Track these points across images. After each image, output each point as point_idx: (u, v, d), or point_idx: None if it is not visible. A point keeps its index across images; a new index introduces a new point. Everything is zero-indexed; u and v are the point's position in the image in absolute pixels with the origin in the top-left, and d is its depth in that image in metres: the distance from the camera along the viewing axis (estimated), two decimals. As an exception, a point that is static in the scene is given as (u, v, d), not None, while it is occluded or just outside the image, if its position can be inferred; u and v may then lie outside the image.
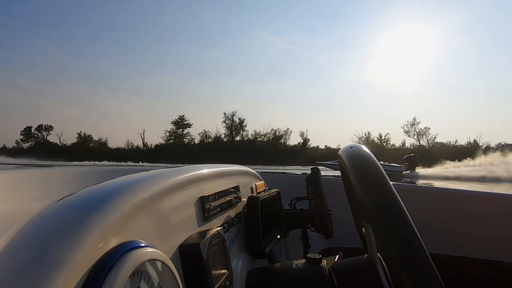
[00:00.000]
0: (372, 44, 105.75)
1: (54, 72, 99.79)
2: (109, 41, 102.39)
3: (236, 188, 0.92)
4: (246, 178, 1.07)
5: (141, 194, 0.49)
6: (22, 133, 76.04)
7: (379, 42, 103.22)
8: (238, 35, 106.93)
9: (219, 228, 0.68)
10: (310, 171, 1.23)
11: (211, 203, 0.73)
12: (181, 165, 0.77)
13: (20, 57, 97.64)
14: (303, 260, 0.81)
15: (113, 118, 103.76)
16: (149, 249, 0.43)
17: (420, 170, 28.59)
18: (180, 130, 77.86)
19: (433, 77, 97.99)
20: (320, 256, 0.81)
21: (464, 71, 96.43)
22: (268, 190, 1.17)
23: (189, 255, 0.57)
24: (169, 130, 78.00)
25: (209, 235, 0.62)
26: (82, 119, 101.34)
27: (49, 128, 77.19)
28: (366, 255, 0.77)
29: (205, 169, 0.76)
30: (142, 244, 0.43)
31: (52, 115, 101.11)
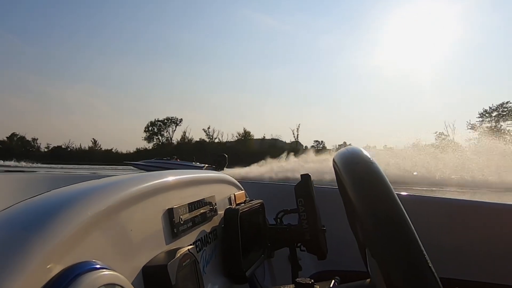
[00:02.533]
0: (382, 24, 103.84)
1: (3, 59, 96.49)
2: (70, 23, 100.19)
3: (211, 199, 0.90)
4: (223, 187, 1.05)
5: (95, 206, 0.47)
6: None
7: (390, 22, 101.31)
8: (219, 14, 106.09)
9: (190, 247, 0.66)
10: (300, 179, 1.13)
11: (180, 216, 0.71)
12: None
13: None
14: (292, 286, 0.80)
15: (74, 112, 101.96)
16: (106, 272, 0.41)
17: (228, 170, 29.36)
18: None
19: (453, 64, 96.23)
20: (312, 281, 0.79)
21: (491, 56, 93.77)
22: (250, 201, 1.15)
23: (155, 279, 0.54)
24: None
25: (178, 255, 0.60)
26: (36, 113, 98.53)
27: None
28: (368, 280, 0.74)
29: (173, 176, 0.74)
30: (98, 266, 0.41)
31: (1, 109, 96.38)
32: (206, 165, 30.07)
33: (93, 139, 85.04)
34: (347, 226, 0.84)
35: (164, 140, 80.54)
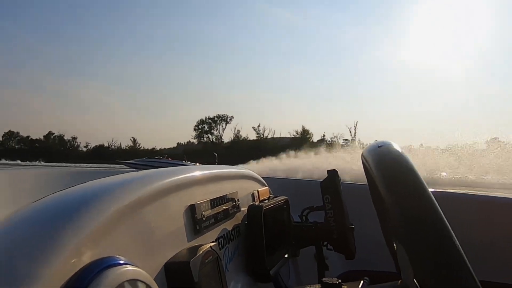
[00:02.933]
0: (409, 15, 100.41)
1: (21, 58, 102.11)
2: (86, 22, 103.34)
3: (234, 195, 0.89)
4: (246, 183, 1.04)
5: (120, 202, 0.47)
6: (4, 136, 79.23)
7: (418, 13, 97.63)
8: (236, 9, 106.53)
9: (213, 244, 0.65)
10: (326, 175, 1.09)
11: (203, 212, 0.70)
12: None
13: None
14: (318, 286, 0.78)
15: (89, 111, 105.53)
16: (129, 267, 0.41)
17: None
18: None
19: (486, 57, 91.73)
20: (340, 281, 0.76)
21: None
22: (274, 197, 1.13)
23: (177, 276, 0.54)
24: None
25: (201, 252, 0.60)
26: (53, 111, 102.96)
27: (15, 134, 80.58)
28: (399, 281, 0.70)
29: (196, 172, 0.74)
30: (121, 261, 0.41)
31: (19, 107, 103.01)
32: (198, 164, 30.98)
33: (132, 137, 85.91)
34: (377, 224, 0.81)
35: (214, 139, 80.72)
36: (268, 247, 0.90)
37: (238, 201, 0.89)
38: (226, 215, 0.81)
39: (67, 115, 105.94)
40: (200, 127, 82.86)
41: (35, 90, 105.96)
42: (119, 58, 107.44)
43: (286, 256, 1.07)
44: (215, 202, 0.76)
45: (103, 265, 0.38)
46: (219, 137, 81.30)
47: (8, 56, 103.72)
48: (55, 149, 77.47)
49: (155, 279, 0.45)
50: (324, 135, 75.61)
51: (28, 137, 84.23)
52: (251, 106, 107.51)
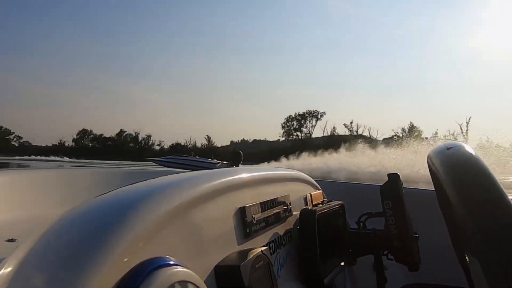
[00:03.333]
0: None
1: (73, 59, 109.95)
2: (135, 20, 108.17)
3: (286, 198, 0.86)
4: (298, 186, 1.01)
5: (171, 202, 0.48)
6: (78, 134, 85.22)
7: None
8: (290, 2, 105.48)
9: (264, 248, 0.64)
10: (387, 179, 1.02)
11: (253, 216, 0.69)
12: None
13: (36, 44, 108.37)
14: None
15: (137, 109, 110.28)
16: (180, 269, 0.42)
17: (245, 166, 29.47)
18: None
19: None
20: None
21: None
22: (328, 201, 1.10)
23: (227, 279, 0.54)
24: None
25: (251, 256, 0.59)
26: (102, 110, 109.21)
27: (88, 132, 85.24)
28: None
29: (246, 173, 0.73)
30: (171, 262, 0.42)
31: (72, 107, 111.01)
32: (221, 161, 31.50)
33: (207, 135, 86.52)
34: (444, 233, 0.76)
35: (303, 136, 77.98)
36: (322, 254, 0.88)
37: (290, 205, 0.87)
38: (277, 219, 0.79)
39: (124, 114, 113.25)
40: (288, 124, 79.85)
41: (88, 90, 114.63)
42: (175, 57, 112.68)
43: (341, 264, 1.04)
44: (265, 205, 0.75)
45: (154, 265, 0.39)
46: (308, 134, 77.62)
47: (61, 57, 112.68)
48: (127, 147, 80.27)
49: (204, 282, 0.45)
50: (436, 132, 66.13)
51: (101, 135, 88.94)
52: (335, 104, 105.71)
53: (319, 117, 78.79)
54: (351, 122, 74.43)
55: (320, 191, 1.12)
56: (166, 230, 0.46)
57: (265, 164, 34.28)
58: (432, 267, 1.23)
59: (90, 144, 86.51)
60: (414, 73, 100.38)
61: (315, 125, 78.79)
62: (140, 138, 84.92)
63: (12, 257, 0.36)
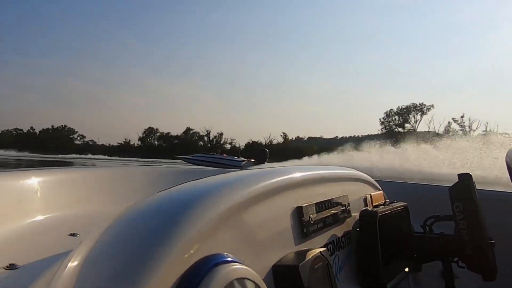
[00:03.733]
0: None
1: (117, 58, 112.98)
2: (176, 18, 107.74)
3: (344, 198, 0.85)
4: (357, 186, 0.98)
5: (227, 200, 0.49)
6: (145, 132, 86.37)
7: None
8: None
9: (322, 249, 0.64)
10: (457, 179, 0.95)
11: (310, 216, 0.69)
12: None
13: (81, 44, 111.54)
14: None
15: (181, 108, 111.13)
16: (239, 266, 0.43)
17: (270, 164, 31.18)
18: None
19: None
20: None
21: None
22: (390, 203, 1.06)
23: (286, 279, 0.54)
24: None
25: (310, 256, 0.59)
26: (147, 109, 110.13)
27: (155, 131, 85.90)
28: None
29: (303, 172, 0.73)
30: (230, 259, 0.43)
31: (116, 106, 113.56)
32: (246, 159, 33.09)
33: (283, 133, 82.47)
34: None
35: (406, 131, 69.40)
36: (384, 258, 0.85)
37: (348, 205, 0.85)
38: (336, 220, 0.78)
39: (177, 113, 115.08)
40: (388, 119, 72.80)
41: (138, 90, 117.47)
42: (207, 53, 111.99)
43: (405, 270, 1.00)
44: (323, 205, 0.74)
45: (214, 262, 0.40)
46: (412, 129, 69.34)
47: (110, 58, 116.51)
48: (195, 146, 78.36)
49: (263, 280, 0.46)
50: None
51: (168, 133, 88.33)
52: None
53: (425, 111, 70.61)
54: (462, 116, 64.94)
55: (381, 191, 1.08)
56: (224, 228, 0.47)
57: (293, 162, 34.09)
58: (509, 276, 1.14)
59: (156, 142, 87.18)
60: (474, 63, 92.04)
61: (420, 120, 70.97)
62: (211, 136, 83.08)
63: (76, 252, 0.39)
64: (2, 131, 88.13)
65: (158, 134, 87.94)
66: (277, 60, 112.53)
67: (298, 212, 0.66)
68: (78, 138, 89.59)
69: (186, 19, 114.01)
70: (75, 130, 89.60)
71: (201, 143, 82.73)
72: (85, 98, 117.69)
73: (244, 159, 33.29)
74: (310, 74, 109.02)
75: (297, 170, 0.72)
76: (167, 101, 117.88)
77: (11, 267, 0.55)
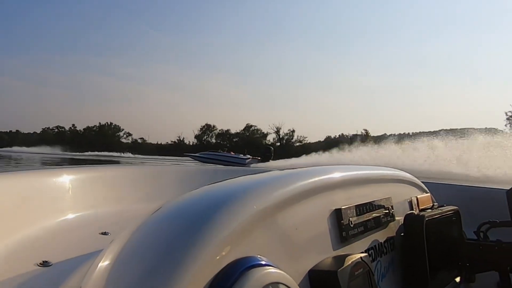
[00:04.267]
0: None
1: (147, 54, 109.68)
2: (209, 11, 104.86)
3: (387, 201, 0.82)
4: (401, 187, 0.94)
5: (262, 201, 0.48)
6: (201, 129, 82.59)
7: None
8: None
9: (363, 255, 0.61)
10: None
11: (350, 219, 0.66)
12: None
13: (111, 39, 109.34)
14: None
15: (215, 104, 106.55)
16: (273, 269, 0.41)
17: (275, 162, 32.12)
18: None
19: None
20: None
21: None
22: (439, 206, 1.00)
23: (323, 285, 0.52)
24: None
25: (349, 262, 0.56)
26: (178, 105, 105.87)
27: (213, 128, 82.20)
28: None
29: (343, 172, 0.71)
30: (263, 262, 0.42)
31: (147, 102, 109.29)
32: (251, 157, 33.85)
33: (364, 130, 74.42)
34: None
35: None
36: (431, 266, 0.81)
37: (392, 208, 0.82)
38: (377, 224, 0.75)
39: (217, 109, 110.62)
40: None
41: (169, 86, 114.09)
42: (242, 49, 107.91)
43: (456, 280, 0.96)
44: (364, 207, 0.72)
45: (247, 264, 0.39)
46: None
47: (138, 53, 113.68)
48: (257, 143, 71.81)
49: (299, 286, 0.45)
50: None
51: (227, 130, 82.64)
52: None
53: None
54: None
55: (428, 194, 1.04)
56: (258, 229, 0.46)
57: (300, 159, 33.68)
58: None
59: (214, 140, 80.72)
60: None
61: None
62: (281, 134, 76.37)
63: (108, 251, 0.39)
64: (42, 128, 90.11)
65: (216, 131, 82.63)
66: (319, 53, 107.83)
67: (337, 214, 0.64)
68: (125, 136, 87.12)
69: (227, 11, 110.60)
70: (121, 128, 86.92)
71: (267, 140, 77.07)
72: (116, 94, 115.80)
73: (249, 156, 33.97)
74: (360, 67, 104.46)
75: (335, 170, 0.70)
76: (206, 97, 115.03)
77: (45, 264, 0.57)
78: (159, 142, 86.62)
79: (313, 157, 34.31)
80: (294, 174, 0.61)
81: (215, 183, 0.52)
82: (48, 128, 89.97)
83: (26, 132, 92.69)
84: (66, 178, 0.89)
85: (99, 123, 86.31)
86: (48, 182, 0.86)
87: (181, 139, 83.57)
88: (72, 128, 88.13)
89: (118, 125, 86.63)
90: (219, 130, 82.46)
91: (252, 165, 27.90)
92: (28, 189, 0.80)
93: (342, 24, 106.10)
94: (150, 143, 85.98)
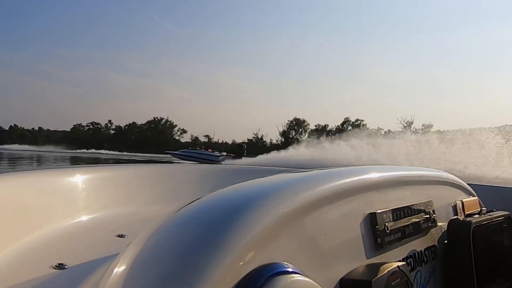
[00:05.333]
0: None
1: (159, 47, 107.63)
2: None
3: (428, 205, 0.78)
4: (445, 190, 0.90)
5: (288, 203, 0.46)
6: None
7: None
8: None
9: (401, 264, 0.58)
10: None
11: (386, 224, 0.64)
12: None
13: (121, 32, 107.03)
14: None
15: (226, 98, 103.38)
16: (300, 277, 0.40)
17: (247, 158, 33.78)
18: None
19: None
20: None
21: None
22: (488, 211, 0.95)
23: None
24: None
25: (385, 271, 0.54)
26: (190, 101, 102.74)
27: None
28: None
29: (378, 173, 0.69)
30: (290, 269, 0.40)
31: (159, 98, 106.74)
32: (224, 154, 36.01)
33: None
34: None
35: None
36: (479, 279, 0.77)
37: (434, 213, 0.78)
38: (417, 230, 0.72)
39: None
40: None
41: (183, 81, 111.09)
42: (256, 41, 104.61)
43: None
44: (401, 212, 0.69)
45: (272, 271, 0.38)
46: None
47: (147, 46, 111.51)
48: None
49: None
50: None
51: (325, 126, 74.20)
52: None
53: None
54: None
55: (476, 197, 0.99)
56: (284, 234, 0.45)
57: (269, 155, 33.83)
58: None
59: (306, 136, 70.67)
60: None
61: None
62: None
63: (125, 255, 0.39)
64: (74, 125, 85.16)
65: (306, 126, 75.62)
66: (338, 44, 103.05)
67: (371, 219, 0.61)
68: (178, 132, 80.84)
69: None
70: (174, 124, 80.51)
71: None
72: (125, 90, 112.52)
73: (223, 153, 36.18)
74: (383, 59, 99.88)
75: (370, 170, 0.67)
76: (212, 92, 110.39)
77: (60, 266, 0.57)
78: (225, 141, 78.81)
79: (276, 154, 34.58)
80: (323, 174, 0.60)
81: (236, 184, 0.51)
82: (79, 125, 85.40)
83: (53, 129, 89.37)
84: (79, 178, 0.89)
85: (154, 118, 79.79)
86: (62, 182, 0.87)
87: (260, 137, 76.30)
88: (109, 124, 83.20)
89: (171, 121, 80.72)
90: (315, 126, 74.97)
91: (223, 162, 29.91)
92: (42, 189, 0.80)
93: (362, 12, 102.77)
94: (215, 141, 77.88)
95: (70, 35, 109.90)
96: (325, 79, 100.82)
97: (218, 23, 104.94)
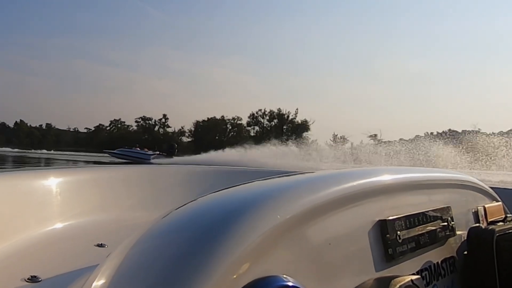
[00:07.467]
0: None
1: (146, 37, 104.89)
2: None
3: (445, 211, 0.76)
4: (464, 194, 0.87)
5: (288, 211, 0.44)
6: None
7: None
8: None
9: (415, 277, 0.56)
10: None
11: (398, 232, 0.61)
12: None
13: (107, 22, 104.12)
14: None
15: (220, 93, 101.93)
16: None
17: (179, 157, 35.52)
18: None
19: None
20: None
21: None
22: None
23: None
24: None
25: (397, 285, 0.52)
26: (177, 96, 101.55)
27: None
28: None
29: (389, 175, 0.66)
30: (290, 283, 0.39)
31: (144, 93, 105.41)
32: (156, 153, 37.64)
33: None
34: None
35: None
36: None
37: (452, 221, 0.76)
38: (433, 239, 0.70)
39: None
40: None
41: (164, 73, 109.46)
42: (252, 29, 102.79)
43: None
44: (415, 219, 0.66)
45: (269, 285, 0.37)
46: None
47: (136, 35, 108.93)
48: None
49: None
50: None
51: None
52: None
53: None
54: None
55: (500, 203, 0.96)
56: (282, 244, 0.43)
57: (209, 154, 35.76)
58: None
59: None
60: None
61: None
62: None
63: (105, 266, 0.37)
64: (96, 126, 76.96)
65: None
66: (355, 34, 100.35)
67: (381, 227, 0.58)
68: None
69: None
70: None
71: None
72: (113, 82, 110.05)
73: (155, 152, 37.71)
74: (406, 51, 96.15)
75: (380, 172, 0.66)
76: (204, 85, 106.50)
77: (33, 279, 0.54)
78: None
79: (218, 153, 36.31)
80: (327, 177, 0.57)
81: (229, 187, 0.48)
82: (101, 125, 78.51)
83: (62, 128, 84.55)
84: (54, 181, 0.84)
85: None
86: (34, 185, 0.82)
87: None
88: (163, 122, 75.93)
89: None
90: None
91: (155, 160, 31.65)
92: (12, 194, 0.76)
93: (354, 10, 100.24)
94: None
95: (45, 23, 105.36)
96: (338, 74, 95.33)
97: (214, 13, 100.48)
